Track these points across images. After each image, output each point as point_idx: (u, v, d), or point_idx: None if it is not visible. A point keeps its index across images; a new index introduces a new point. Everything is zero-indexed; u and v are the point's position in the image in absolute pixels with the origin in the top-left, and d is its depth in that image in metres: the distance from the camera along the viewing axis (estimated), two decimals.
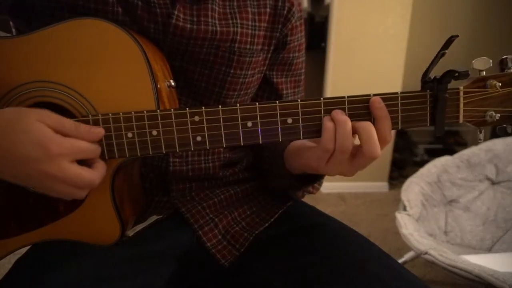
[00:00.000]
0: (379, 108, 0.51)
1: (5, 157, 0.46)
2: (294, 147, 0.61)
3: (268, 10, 0.66)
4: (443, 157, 1.82)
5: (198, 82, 0.64)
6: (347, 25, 2.56)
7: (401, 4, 2.55)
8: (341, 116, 0.50)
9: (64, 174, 0.47)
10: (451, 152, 1.92)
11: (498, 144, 1.77)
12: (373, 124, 0.51)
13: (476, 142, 1.85)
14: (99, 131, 0.50)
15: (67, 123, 0.48)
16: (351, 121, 0.51)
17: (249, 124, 0.52)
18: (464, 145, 3.23)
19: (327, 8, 2.72)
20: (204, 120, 0.51)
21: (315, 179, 0.64)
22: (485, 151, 1.77)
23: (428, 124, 0.52)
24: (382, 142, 0.51)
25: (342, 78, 2.63)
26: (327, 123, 0.51)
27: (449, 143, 3.34)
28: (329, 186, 2.80)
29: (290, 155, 0.62)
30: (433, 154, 2.99)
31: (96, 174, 0.50)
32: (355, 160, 0.52)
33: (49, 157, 0.46)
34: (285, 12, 0.67)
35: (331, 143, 0.51)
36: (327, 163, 0.53)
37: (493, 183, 1.76)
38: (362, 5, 2.52)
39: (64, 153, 0.47)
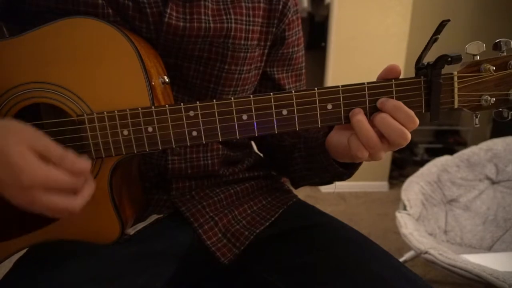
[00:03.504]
0: (384, 102, 0.50)
1: None
2: (330, 144, 0.60)
3: (262, 5, 0.66)
4: (443, 156, 1.82)
5: (194, 79, 0.64)
6: (347, 25, 2.56)
7: (401, 3, 2.55)
8: (355, 117, 0.50)
9: (38, 204, 0.45)
10: (451, 151, 1.93)
11: (498, 143, 1.77)
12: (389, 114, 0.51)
13: (476, 142, 1.86)
14: (83, 167, 0.47)
15: (54, 151, 0.46)
16: (359, 115, 0.51)
17: (244, 117, 0.51)
18: (464, 144, 3.23)
19: (327, 8, 2.72)
20: (199, 115, 0.51)
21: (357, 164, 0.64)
22: (485, 151, 1.77)
23: (423, 111, 0.52)
24: (410, 122, 0.50)
25: (342, 77, 2.63)
26: (351, 137, 0.52)
27: (449, 142, 3.34)
28: (329, 185, 2.80)
29: (328, 150, 0.61)
30: (433, 153, 2.99)
31: (77, 200, 0.47)
32: (390, 148, 0.52)
33: (20, 185, 0.44)
34: (281, 7, 0.67)
35: (362, 151, 0.51)
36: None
37: (493, 182, 1.76)
38: (362, 4, 2.52)
39: (35, 185, 0.44)
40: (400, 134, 0.49)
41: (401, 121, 0.50)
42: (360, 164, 0.61)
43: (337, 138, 0.57)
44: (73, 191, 0.47)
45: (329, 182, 0.68)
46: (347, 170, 0.61)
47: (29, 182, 0.44)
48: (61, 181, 0.45)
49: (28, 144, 0.44)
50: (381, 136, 0.50)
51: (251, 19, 0.65)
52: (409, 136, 0.50)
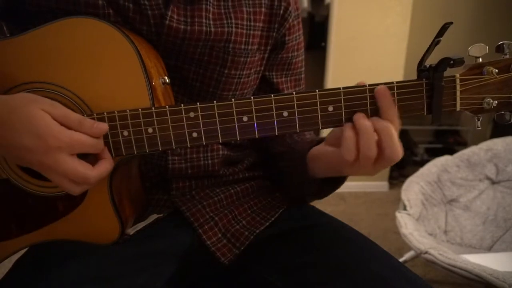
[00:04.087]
0: (385, 96, 0.50)
1: (3, 145, 0.47)
2: (314, 153, 0.60)
3: (263, 9, 0.66)
4: (443, 156, 1.82)
5: (193, 81, 0.64)
6: (347, 25, 2.56)
7: (401, 4, 2.54)
8: (364, 122, 0.49)
9: (59, 166, 0.47)
10: (451, 151, 1.92)
11: (498, 143, 1.76)
12: (380, 114, 0.50)
13: (476, 142, 1.86)
14: (103, 127, 0.50)
15: (72, 116, 0.49)
16: (365, 120, 0.50)
17: (245, 118, 0.51)
18: (464, 144, 3.22)
19: (327, 8, 2.72)
20: (200, 116, 0.51)
21: (338, 182, 0.64)
22: (485, 151, 1.76)
23: (425, 113, 0.52)
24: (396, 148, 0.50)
25: (342, 77, 2.62)
26: (348, 133, 0.50)
27: (449, 142, 3.33)
28: None
29: (311, 161, 0.61)
30: (433, 153, 2.98)
31: (93, 171, 0.49)
32: (377, 164, 0.51)
33: (46, 149, 0.46)
34: (281, 11, 0.67)
35: (352, 154, 0.49)
36: (351, 168, 0.52)
37: (493, 182, 1.76)
38: (362, 4, 2.52)
39: (62, 146, 0.47)
40: (397, 148, 0.49)
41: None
42: (345, 178, 0.63)
43: (324, 148, 0.58)
44: (95, 152, 0.51)
45: (304, 199, 0.70)
46: (324, 187, 0.63)
47: (56, 144, 0.46)
48: (85, 142, 0.48)
49: (48, 111, 0.47)
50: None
51: (252, 23, 0.65)
52: (401, 154, 0.49)
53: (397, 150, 0.49)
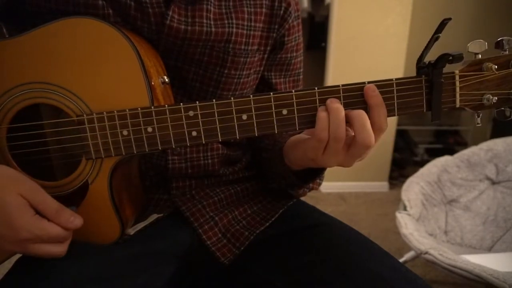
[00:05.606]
0: (373, 96, 0.50)
1: None
2: (291, 141, 0.61)
3: (264, 10, 0.66)
4: (443, 157, 1.82)
5: (193, 82, 0.64)
6: (347, 25, 2.56)
7: (401, 4, 2.54)
8: (335, 104, 0.50)
9: (31, 252, 0.49)
10: (451, 151, 1.93)
11: (499, 143, 1.76)
12: (368, 112, 0.51)
13: (476, 142, 1.86)
14: (78, 223, 0.51)
15: (50, 206, 0.49)
16: (346, 109, 0.50)
17: (244, 117, 0.51)
18: (464, 144, 3.22)
19: (327, 8, 2.72)
20: (199, 115, 0.51)
21: (315, 174, 0.64)
22: (485, 151, 1.76)
23: (424, 110, 0.52)
24: (378, 130, 0.51)
25: (342, 77, 2.62)
26: (321, 113, 0.51)
27: (449, 142, 3.33)
28: (329, 185, 2.80)
29: (289, 150, 0.62)
30: (433, 154, 2.98)
31: (62, 248, 0.51)
32: (350, 149, 0.52)
33: (18, 240, 0.48)
34: (282, 12, 0.67)
35: (324, 132, 0.50)
36: (323, 153, 0.52)
37: (493, 182, 1.76)
38: (363, 4, 2.52)
39: (32, 238, 0.48)
40: (369, 134, 0.50)
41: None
42: (322, 172, 0.63)
43: (302, 136, 0.58)
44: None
45: (287, 193, 0.70)
46: (303, 180, 0.63)
47: (27, 236, 0.48)
48: (55, 235, 0.50)
49: (26, 197, 0.48)
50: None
51: (252, 24, 0.65)
52: (373, 140, 0.50)
53: (369, 136, 0.50)
